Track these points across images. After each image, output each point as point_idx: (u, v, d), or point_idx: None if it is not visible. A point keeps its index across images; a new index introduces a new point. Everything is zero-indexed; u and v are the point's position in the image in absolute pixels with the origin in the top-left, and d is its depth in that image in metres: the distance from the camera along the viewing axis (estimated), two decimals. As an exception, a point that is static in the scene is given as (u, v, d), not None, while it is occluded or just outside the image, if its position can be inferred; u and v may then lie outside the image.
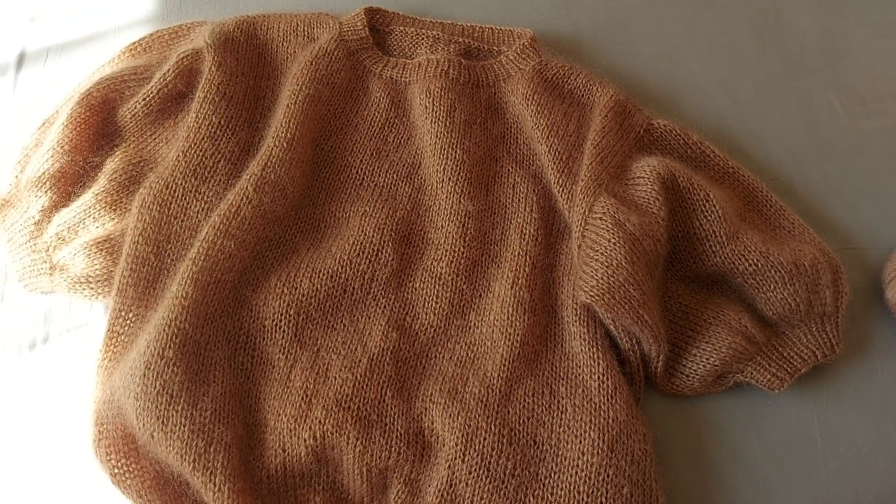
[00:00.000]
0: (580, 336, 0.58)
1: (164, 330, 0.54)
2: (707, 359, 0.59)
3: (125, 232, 0.62)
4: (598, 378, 0.56)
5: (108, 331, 0.58)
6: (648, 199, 0.61)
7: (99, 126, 0.67)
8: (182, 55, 0.68)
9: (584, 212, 0.60)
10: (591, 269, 0.57)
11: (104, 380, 0.57)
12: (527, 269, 0.61)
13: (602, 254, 0.57)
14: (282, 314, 0.59)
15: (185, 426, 0.51)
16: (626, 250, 0.57)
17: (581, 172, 0.63)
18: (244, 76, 0.68)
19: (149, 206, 0.61)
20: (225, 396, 0.55)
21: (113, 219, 0.64)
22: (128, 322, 0.59)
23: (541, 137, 0.65)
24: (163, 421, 0.51)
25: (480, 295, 0.61)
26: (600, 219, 0.59)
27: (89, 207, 0.63)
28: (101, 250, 0.62)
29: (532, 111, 0.67)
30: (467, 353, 0.59)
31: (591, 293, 0.57)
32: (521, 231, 0.63)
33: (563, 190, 0.63)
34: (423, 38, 0.74)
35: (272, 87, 0.69)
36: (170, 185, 0.62)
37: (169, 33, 0.73)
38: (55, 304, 0.64)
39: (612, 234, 0.58)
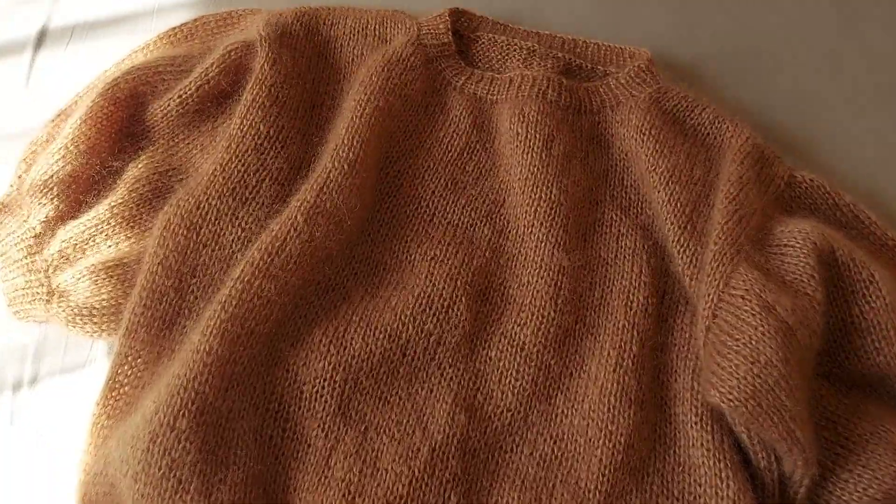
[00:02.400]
0: (702, 444, 0.46)
1: (178, 392, 0.42)
2: (865, 489, 0.45)
3: (142, 257, 0.50)
4: (727, 502, 0.43)
5: (110, 379, 0.47)
6: (802, 276, 0.48)
7: (123, 124, 0.56)
8: (230, 47, 0.56)
9: (718, 285, 0.47)
10: (730, 364, 0.44)
11: (98, 444, 0.45)
12: (634, 347, 0.48)
13: (746, 346, 0.44)
14: (325, 379, 0.46)
15: None
16: (779, 344, 0.44)
17: (712, 233, 0.50)
18: (301, 78, 0.56)
19: (174, 230, 0.50)
20: (247, 484, 0.43)
21: (129, 238, 0.52)
22: (135, 371, 0.47)
23: (658, 182, 0.53)
24: None
25: (572, 374, 0.49)
26: (742, 298, 0.46)
27: (102, 222, 0.52)
28: (112, 277, 0.50)
29: (648, 149, 0.54)
30: (553, 452, 0.46)
31: (730, 396, 0.44)
32: (627, 297, 0.51)
33: (683, 251, 0.51)
34: (515, 50, 0.62)
35: (333, 95, 0.58)
36: (202, 206, 0.50)
37: (216, 20, 0.62)
38: (49, 338, 0.52)
39: (760, 320, 0.45)
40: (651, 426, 0.47)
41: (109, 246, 0.52)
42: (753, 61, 0.66)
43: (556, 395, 0.48)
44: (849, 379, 0.50)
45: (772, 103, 0.63)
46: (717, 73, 0.64)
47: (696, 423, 0.46)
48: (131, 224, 0.52)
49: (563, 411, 0.47)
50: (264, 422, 0.45)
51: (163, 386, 0.43)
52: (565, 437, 0.46)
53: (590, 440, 0.46)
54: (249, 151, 0.52)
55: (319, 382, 0.46)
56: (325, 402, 0.46)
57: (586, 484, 0.44)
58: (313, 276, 0.49)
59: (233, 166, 0.51)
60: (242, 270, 0.46)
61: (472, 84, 0.59)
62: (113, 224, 0.52)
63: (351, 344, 0.47)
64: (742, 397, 0.43)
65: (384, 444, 0.45)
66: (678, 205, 0.52)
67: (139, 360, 0.47)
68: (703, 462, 0.45)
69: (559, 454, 0.46)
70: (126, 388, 0.47)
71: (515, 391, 0.47)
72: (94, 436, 0.46)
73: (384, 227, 0.53)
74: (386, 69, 0.56)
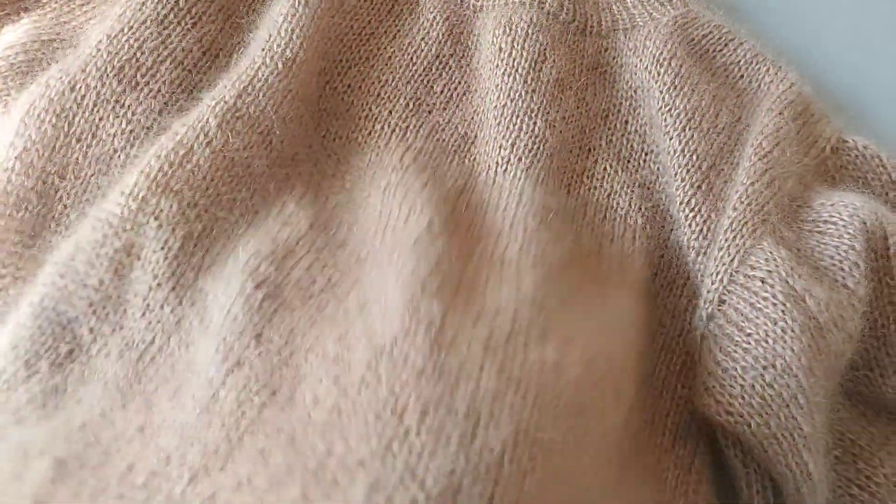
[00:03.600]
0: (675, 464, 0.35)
1: None
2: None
3: (-3, 146, 0.39)
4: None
5: None
6: (843, 262, 0.36)
7: (4, -24, 0.44)
8: None
9: (732, 262, 0.36)
10: (736, 365, 0.33)
11: None
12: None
13: (760, 344, 0.33)
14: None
15: None
16: (803, 346, 0.33)
17: (732, 195, 0.38)
18: (235, -57, 0.44)
19: (39, 115, 0.38)
20: None
21: (-11, 119, 0.41)
22: None
23: (673, 126, 0.41)
24: None
25: None
26: (762, 281, 0.35)
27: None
28: (-44, 163, 0.39)
29: (665, 83, 0.42)
30: None
31: (730, 408, 0.33)
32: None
33: (693, 216, 0.39)
34: (513, -53, 0.49)
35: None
36: (77, 87, 0.39)
37: None
38: None
39: (783, 312, 0.33)
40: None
41: (-40, 124, 0.40)
42: (808, 2, 0.53)
43: None
44: (877, 403, 0.39)
45: (822, 53, 0.50)
46: (759, 10, 0.52)
47: (668, 437, 0.35)
48: (-8, 100, 0.41)
49: None
50: None
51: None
52: None
53: None
54: (149, 23, 0.40)
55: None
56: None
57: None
58: (228, 196, 0.37)
59: (123, 39, 0.39)
60: (135, 184, 0.35)
61: (453, -17, 0.47)
62: (-30, 98, 0.41)
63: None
64: (746, 411, 0.32)
65: None
66: (694, 157, 0.40)
67: None
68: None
69: None
70: None
71: None
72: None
73: (325, 152, 0.42)
74: (346, -51, 0.44)
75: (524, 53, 0.43)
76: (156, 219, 0.35)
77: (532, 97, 0.42)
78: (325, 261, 0.35)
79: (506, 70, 0.43)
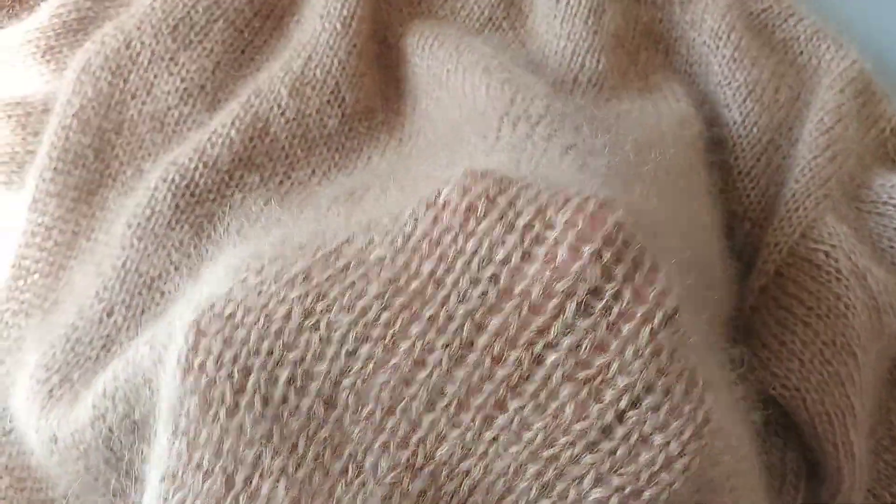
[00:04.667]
0: None
1: None
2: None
3: (51, 105, 0.39)
4: None
5: (14, 265, 0.37)
6: (904, 245, 0.35)
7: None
8: None
9: (793, 233, 0.35)
10: (795, 339, 0.33)
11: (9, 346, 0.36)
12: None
13: (822, 317, 0.32)
14: None
15: None
16: (863, 323, 0.32)
17: (794, 168, 0.38)
18: None
19: (94, 73, 0.38)
20: None
21: (43, 75, 0.41)
22: (45, 256, 0.37)
23: (732, 99, 0.40)
24: None
25: None
26: (826, 255, 0.34)
27: (11, 48, 0.41)
28: (10, 117, 0.40)
29: (723, 56, 0.41)
30: None
31: (787, 382, 0.32)
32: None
33: (752, 187, 0.39)
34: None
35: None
36: (132, 45, 0.39)
37: None
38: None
39: (846, 288, 0.33)
40: None
41: (15, 80, 0.41)
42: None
43: None
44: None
45: (890, 31, 0.49)
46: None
47: None
48: (47, 57, 0.41)
49: None
50: None
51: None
52: None
53: None
54: (204, -21, 0.40)
55: None
56: None
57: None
58: (305, 159, 0.38)
59: None
60: (218, 157, 0.35)
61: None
62: (24, 54, 0.41)
63: None
64: (804, 386, 0.32)
65: None
66: (754, 128, 0.39)
67: (50, 242, 0.37)
68: None
69: None
70: (35, 277, 0.36)
71: None
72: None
73: (395, 104, 0.41)
74: None
75: (583, 2, 0.42)
76: (240, 191, 0.35)
77: (595, 38, 0.41)
78: None
79: (565, 17, 0.42)
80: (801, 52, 0.44)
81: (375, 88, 0.40)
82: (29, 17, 0.42)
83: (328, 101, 0.38)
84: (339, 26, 0.39)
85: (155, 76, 0.39)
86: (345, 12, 0.40)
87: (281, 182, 0.36)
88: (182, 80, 0.39)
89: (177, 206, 0.34)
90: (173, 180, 0.35)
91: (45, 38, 0.41)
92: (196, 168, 0.35)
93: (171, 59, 0.39)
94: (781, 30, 0.44)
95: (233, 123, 0.36)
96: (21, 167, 0.40)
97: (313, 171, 0.37)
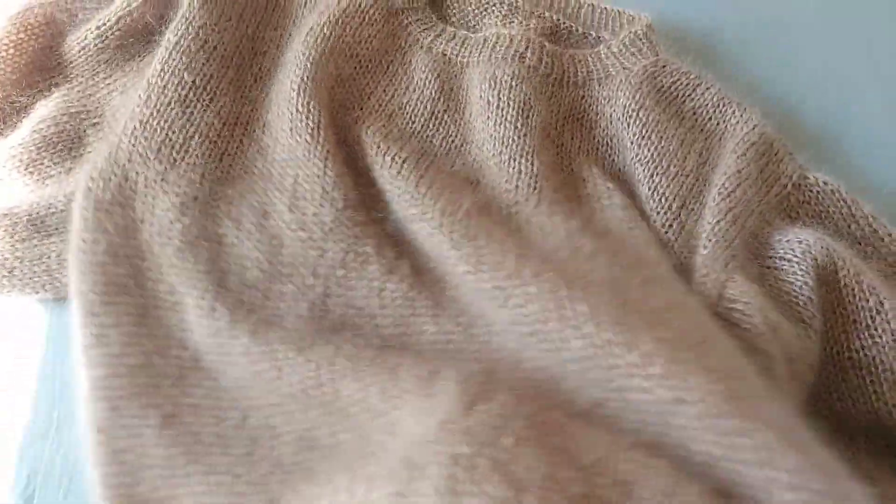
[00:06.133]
0: None
1: None
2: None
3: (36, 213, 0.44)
4: None
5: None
6: (799, 298, 0.40)
7: (35, 55, 0.49)
8: (157, -25, 0.49)
9: (711, 296, 0.40)
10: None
11: None
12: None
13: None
14: None
15: None
16: (782, 375, 0.37)
17: (701, 234, 0.42)
18: (240, 21, 0.48)
19: (107, 210, 0.42)
20: None
21: (27, 186, 0.46)
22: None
23: (642, 174, 0.45)
24: None
25: None
26: (743, 313, 0.38)
27: (-2, 165, 0.46)
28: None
29: (633, 133, 0.46)
30: None
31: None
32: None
33: (667, 252, 0.43)
34: (495, 4, 0.53)
35: (279, 43, 0.50)
36: (129, 177, 0.42)
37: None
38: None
39: (765, 342, 0.37)
40: None
41: (1, 192, 0.45)
42: (777, 35, 0.56)
43: None
44: (839, 422, 0.42)
45: (789, 88, 0.54)
46: (732, 47, 0.55)
47: None
48: (30, 169, 0.46)
49: None
50: None
51: None
52: None
53: None
54: (173, 104, 0.44)
55: None
56: None
57: None
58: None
59: (155, 123, 0.44)
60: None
61: (441, 43, 0.51)
62: (9, 168, 0.46)
63: None
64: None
65: None
66: (662, 200, 0.44)
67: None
68: None
69: None
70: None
71: None
72: None
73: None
74: (340, 21, 0.48)
75: (511, 104, 0.47)
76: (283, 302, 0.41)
77: (525, 140, 0.45)
78: None
79: (496, 121, 0.47)
80: (709, 119, 0.48)
81: (353, 184, 0.44)
82: (12, 134, 0.47)
83: (320, 205, 0.42)
84: (308, 138, 0.43)
85: (153, 198, 0.42)
86: (311, 123, 0.44)
87: (312, 285, 0.41)
88: (176, 196, 0.42)
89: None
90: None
91: (28, 153, 0.46)
92: (241, 291, 0.40)
93: (163, 179, 0.43)
94: (691, 98, 0.49)
95: (255, 247, 0.41)
96: (11, 272, 0.45)
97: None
